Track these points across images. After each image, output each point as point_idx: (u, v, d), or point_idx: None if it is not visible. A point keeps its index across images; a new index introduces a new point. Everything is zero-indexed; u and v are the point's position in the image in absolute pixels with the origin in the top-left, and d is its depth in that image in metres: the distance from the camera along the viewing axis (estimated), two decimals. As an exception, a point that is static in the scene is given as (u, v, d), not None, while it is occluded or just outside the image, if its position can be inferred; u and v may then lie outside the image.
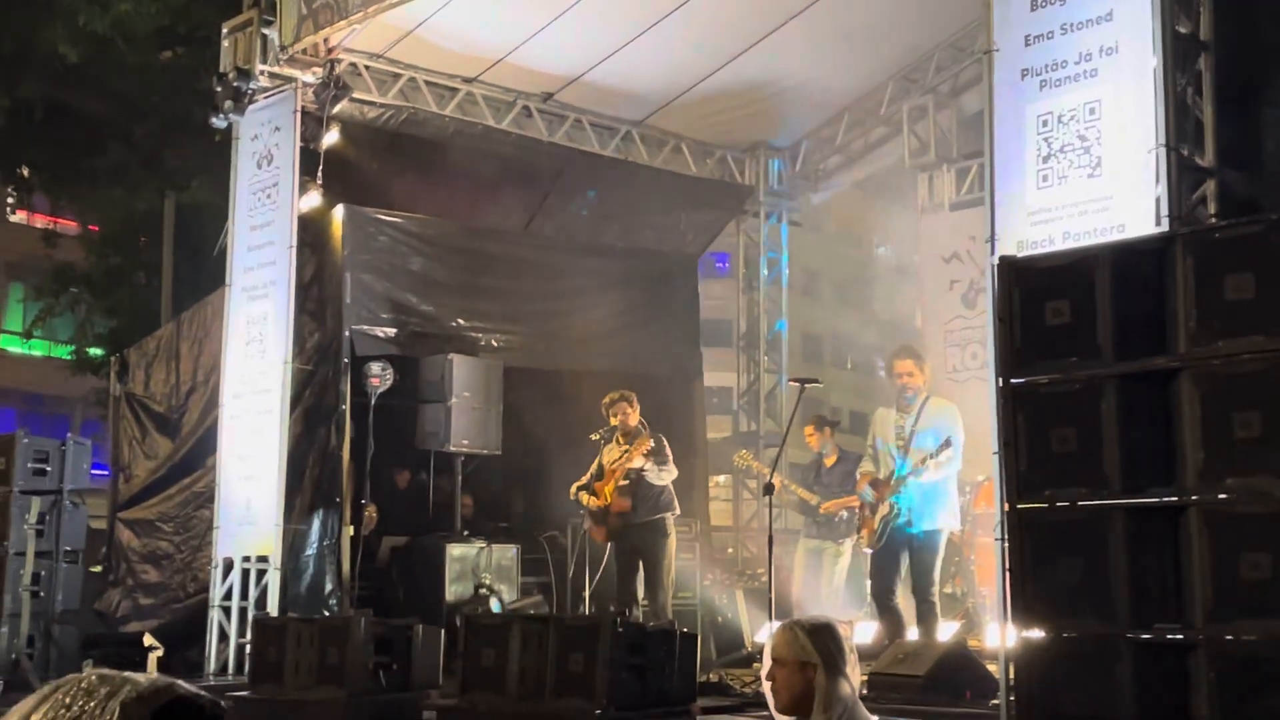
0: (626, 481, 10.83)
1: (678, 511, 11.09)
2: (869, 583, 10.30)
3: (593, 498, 10.98)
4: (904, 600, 9.91)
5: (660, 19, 12.44)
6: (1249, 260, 5.27)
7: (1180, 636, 5.28)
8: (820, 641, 4.55)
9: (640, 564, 10.86)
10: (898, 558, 9.78)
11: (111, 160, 20.15)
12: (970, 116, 14.06)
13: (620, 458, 10.83)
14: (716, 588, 12.79)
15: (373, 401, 12.00)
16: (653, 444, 10.79)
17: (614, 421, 10.97)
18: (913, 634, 9.72)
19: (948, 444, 9.56)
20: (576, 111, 14.02)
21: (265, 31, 12.04)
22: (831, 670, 4.51)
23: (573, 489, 11.14)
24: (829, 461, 11.88)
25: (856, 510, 10.48)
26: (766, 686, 4.69)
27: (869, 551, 10.09)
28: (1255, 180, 7.61)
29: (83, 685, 1.80)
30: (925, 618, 9.70)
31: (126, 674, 1.83)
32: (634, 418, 10.97)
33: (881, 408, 10.23)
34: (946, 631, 10.25)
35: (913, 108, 14.61)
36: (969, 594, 11.59)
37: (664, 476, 10.86)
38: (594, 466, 11.05)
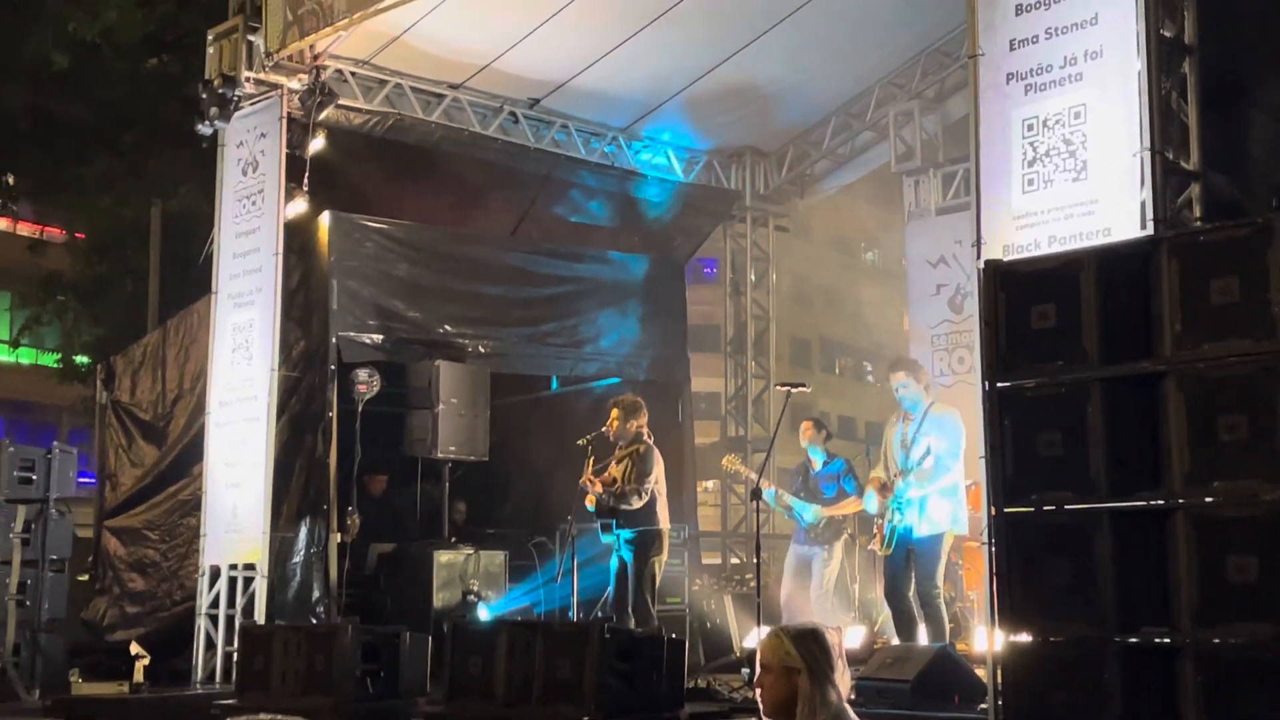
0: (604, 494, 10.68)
1: (660, 525, 10.64)
2: (855, 588, 10.27)
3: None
4: (916, 602, 9.92)
5: (647, 24, 12.45)
6: (1234, 264, 5.26)
7: (1167, 640, 5.27)
8: (805, 647, 4.54)
9: (627, 572, 10.76)
10: (904, 561, 9.81)
11: (98, 168, 20.11)
12: (956, 121, 14.10)
13: (597, 466, 10.71)
14: (705, 593, 12.76)
15: (359, 408, 11.97)
16: (627, 470, 10.57)
17: (615, 426, 10.75)
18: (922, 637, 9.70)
19: (927, 452, 9.58)
20: (562, 117, 14.02)
21: (251, 38, 12.02)
22: (816, 676, 4.50)
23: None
24: (816, 465, 11.85)
25: (858, 516, 10.42)
26: (756, 692, 4.69)
27: (883, 555, 10.08)
28: (1239, 183, 7.62)
29: None
30: (929, 622, 9.71)
31: None
32: (633, 427, 10.75)
33: (894, 414, 10.24)
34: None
35: (899, 113, 14.65)
36: (956, 598, 11.57)
37: (622, 506, 10.53)
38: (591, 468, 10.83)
